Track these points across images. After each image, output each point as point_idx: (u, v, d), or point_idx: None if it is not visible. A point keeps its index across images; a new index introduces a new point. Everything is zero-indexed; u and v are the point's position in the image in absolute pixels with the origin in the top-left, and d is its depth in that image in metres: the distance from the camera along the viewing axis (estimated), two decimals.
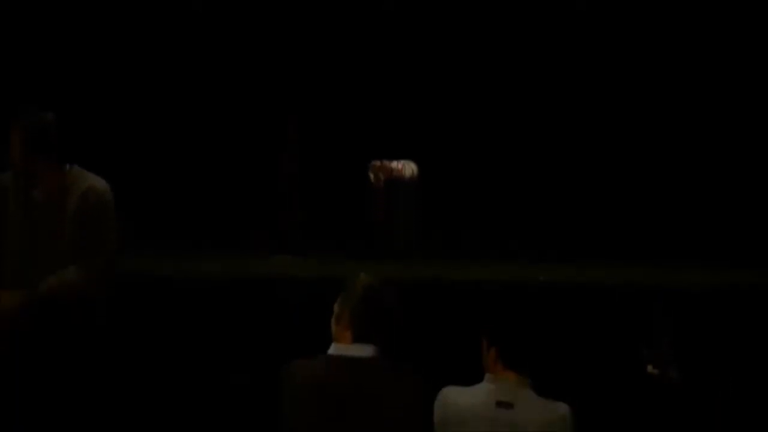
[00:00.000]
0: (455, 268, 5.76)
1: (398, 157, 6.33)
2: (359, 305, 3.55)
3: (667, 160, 6.35)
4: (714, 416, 5.12)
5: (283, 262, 6.08)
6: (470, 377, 3.49)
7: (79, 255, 4.44)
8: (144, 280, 5.44)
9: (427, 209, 6.29)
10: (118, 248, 4.53)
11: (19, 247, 4.49)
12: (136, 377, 5.21)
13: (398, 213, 6.31)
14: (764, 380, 5.21)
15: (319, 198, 6.66)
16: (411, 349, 3.75)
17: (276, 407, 3.52)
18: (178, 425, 5.25)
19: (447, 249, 6.27)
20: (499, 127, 6.51)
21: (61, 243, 4.46)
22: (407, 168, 6.30)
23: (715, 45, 6.36)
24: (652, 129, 6.39)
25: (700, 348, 5.23)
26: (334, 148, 6.71)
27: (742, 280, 5.51)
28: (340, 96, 6.71)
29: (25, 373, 4.42)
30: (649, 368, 5.12)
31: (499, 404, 3.39)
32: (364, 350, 3.50)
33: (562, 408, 3.43)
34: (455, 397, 3.45)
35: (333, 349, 3.55)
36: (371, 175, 6.35)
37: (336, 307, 3.60)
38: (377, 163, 6.35)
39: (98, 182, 4.55)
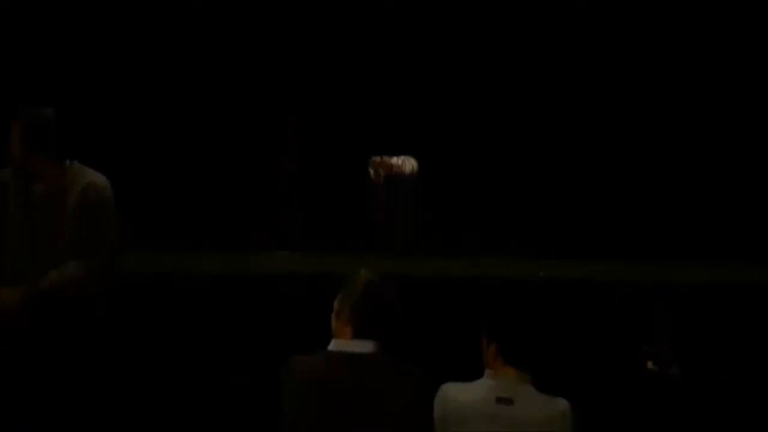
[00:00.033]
0: (455, 264, 5.75)
1: (398, 155, 6.33)
2: (359, 301, 3.55)
3: (668, 157, 6.34)
4: (714, 413, 5.12)
5: (282, 258, 6.07)
6: (470, 373, 3.49)
7: (79, 251, 4.44)
8: (143, 278, 5.44)
9: (427, 206, 6.29)
10: (118, 244, 4.53)
11: (19, 243, 4.50)
12: (135, 373, 5.21)
13: (398, 208, 6.30)
14: (764, 378, 5.21)
15: (319, 198, 6.66)
16: (411, 345, 3.74)
17: (276, 403, 3.51)
18: (179, 421, 5.25)
19: (447, 245, 6.26)
20: (499, 125, 6.50)
21: (61, 239, 4.46)
22: (407, 164, 6.29)
23: (715, 44, 6.35)
24: (652, 126, 6.38)
25: (700, 345, 5.23)
26: (334, 147, 6.70)
27: (742, 277, 5.51)
28: (339, 96, 6.70)
29: (26, 370, 4.42)
30: (649, 365, 5.12)
31: (499, 400, 3.39)
32: (364, 346, 3.50)
33: (562, 404, 3.43)
34: (455, 394, 3.44)
35: (333, 345, 3.55)
36: (371, 171, 6.34)
37: (336, 303, 3.60)
38: (377, 158, 6.34)
39: (98, 178, 4.55)
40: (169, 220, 6.34)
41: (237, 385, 5.37)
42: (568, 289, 5.38)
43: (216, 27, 6.61)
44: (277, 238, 6.45)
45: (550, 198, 6.35)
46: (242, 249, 6.13)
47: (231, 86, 6.61)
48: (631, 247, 6.02)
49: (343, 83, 6.63)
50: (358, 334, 3.52)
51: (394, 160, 6.32)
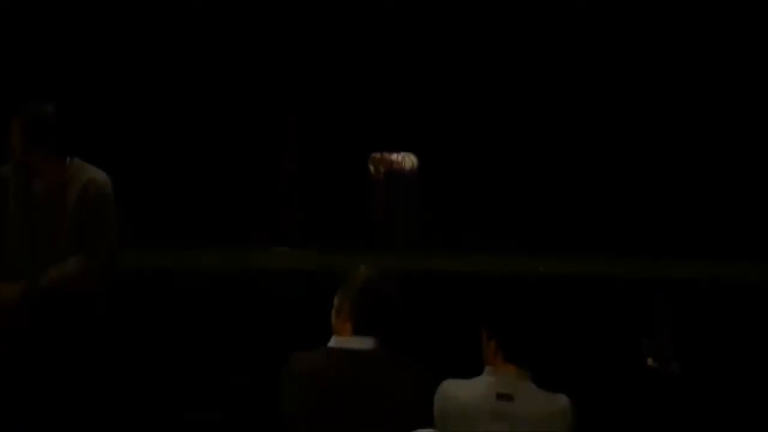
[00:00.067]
0: (455, 260, 5.75)
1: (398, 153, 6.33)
2: (359, 297, 3.55)
3: (668, 153, 6.34)
4: (714, 409, 5.12)
5: (282, 254, 6.06)
6: (470, 370, 3.48)
7: (79, 247, 4.44)
8: (144, 276, 5.44)
9: (427, 202, 6.29)
10: (119, 241, 4.53)
11: (20, 239, 4.50)
12: (135, 370, 5.21)
13: (398, 205, 6.30)
14: (764, 373, 5.21)
15: (319, 197, 6.66)
16: (411, 341, 3.74)
17: (276, 400, 3.52)
18: (179, 420, 5.25)
19: (447, 241, 6.26)
20: (498, 122, 6.50)
21: (61, 236, 4.46)
22: (407, 160, 6.28)
23: (715, 44, 6.36)
24: (652, 122, 6.39)
25: (700, 340, 5.23)
26: (334, 147, 6.70)
27: (742, 272, 5.51)
28: (339, 95, 6.70)
29: (25, 366, 4.42)
30: (650, 361, 5.13)
31: (500, 397, 3.38)
32: (364, 342, 3.51)
33: (563, 400, 3.42)
34: (455, 390, 3.44)
35: (333, 342, 3.55)
36: (371, 167, 6.33)
37: (336, 300, 3.60)
38: (377, 155, 6.33)
39: (99, 175, 4.55)
40: (170, 220, 6.34)
41: (237, 384, 5.37)
42: (568, 285, 5.38)
43: (216, 27, 6.61)
44: (277, 238, 6.45)
45: (550, 193, 6.35)
46: (242, 247, 6.13)
47: (231, 86, 6.61)
48: (631, 243, 6.02)
49: (343, 83, 6.64)
50: (358, 331, 3.52)
51: (394, 156, 6.31)
